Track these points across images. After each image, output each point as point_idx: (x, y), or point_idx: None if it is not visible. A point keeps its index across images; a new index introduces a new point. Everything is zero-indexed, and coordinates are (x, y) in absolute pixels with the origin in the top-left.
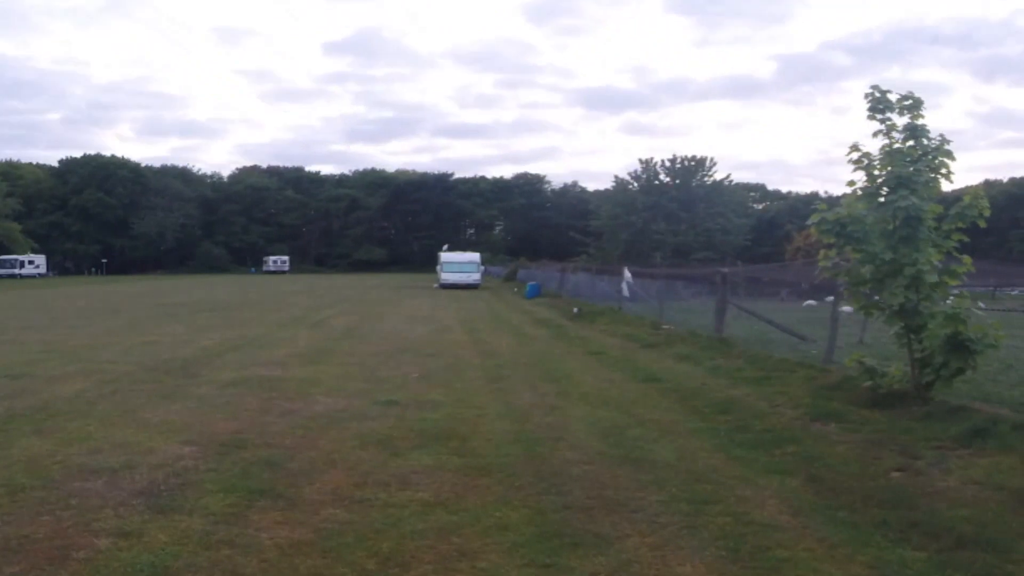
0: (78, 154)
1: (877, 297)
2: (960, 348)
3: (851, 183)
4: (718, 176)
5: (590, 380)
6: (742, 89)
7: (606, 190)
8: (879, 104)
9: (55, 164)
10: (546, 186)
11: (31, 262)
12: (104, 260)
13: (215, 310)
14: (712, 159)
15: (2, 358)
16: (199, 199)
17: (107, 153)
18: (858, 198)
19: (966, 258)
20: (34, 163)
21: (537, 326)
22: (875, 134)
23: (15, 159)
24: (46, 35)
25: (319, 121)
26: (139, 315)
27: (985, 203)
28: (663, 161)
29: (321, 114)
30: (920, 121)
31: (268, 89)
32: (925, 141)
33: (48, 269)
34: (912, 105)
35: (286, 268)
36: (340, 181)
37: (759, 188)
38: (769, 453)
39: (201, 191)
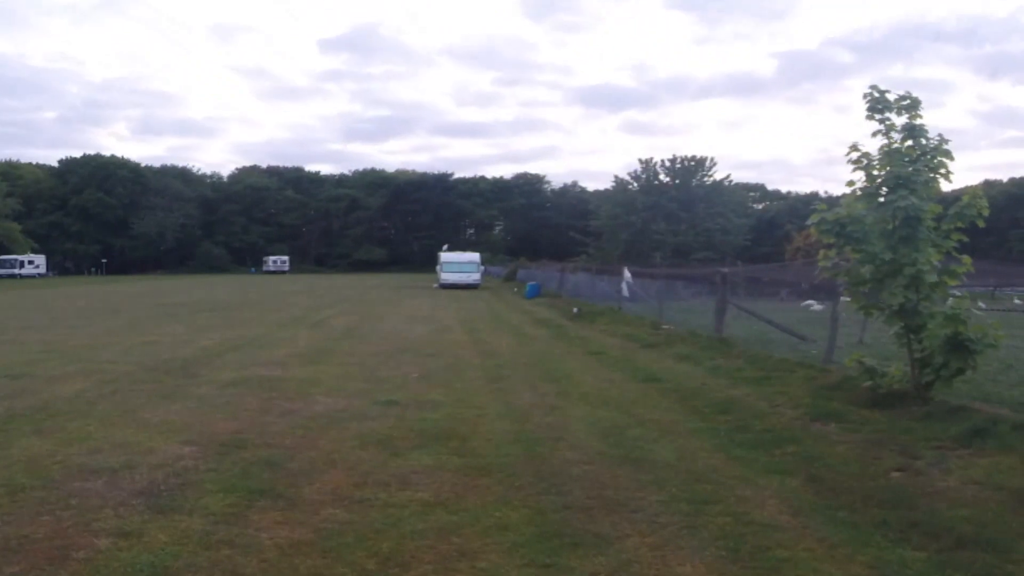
0: (75, 153)
1: (866, 292)
2: (960, 348)
3: (850, 183)
4: (718, 176)
5: (590, 380)
6: (743, 87)
7: (606, 190)
8: (878, 104)
9: (55, 164)
10: (546, 186)
11: (31, 262)
12: (104, 260)
13: (215, 310)
14: (712, 159)
15: (2, 358)
16: (199, 199)
17: (103, 152)
18: (857, 198)
19: (965, 258)
20: (34, 163)
21: (537, 326)
22: (874, 134)
23: (12, 158)
24: (40, 32)
25: (316, 120)
26: (139, 315)
27: (984, 203)
28: (663, 161)
29: (318, 112)
30: (919, 121)
31: (264, 87)
32: (924, 141)
33: (48, 269)
34: (910, 105)
35: (286, 268)
36: (340, 181)
37: (759, 188)
38: (769, 453)
39: (201, 191)
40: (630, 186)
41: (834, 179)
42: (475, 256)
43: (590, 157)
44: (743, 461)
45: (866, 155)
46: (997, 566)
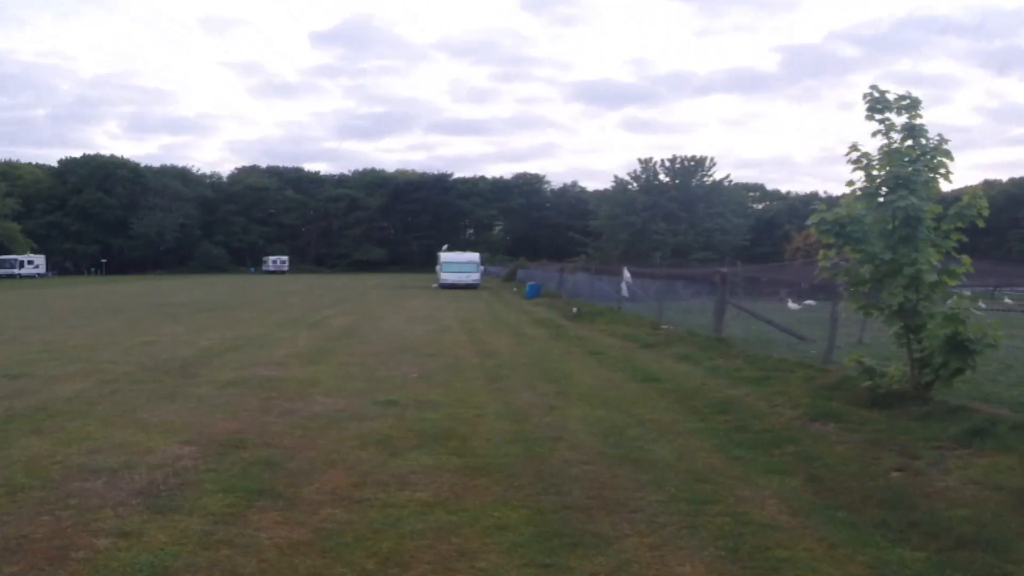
0: (67, 152)
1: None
2: (959, 348)
3: (850, 183)
4: (717, 176)
5: (589, 380)
6: (745, 83)
7: (605, 190)
8: (877, 104)
9: (54, 164)
10: (545, 186)
11: (30, 262)
12: (103, 260)
13: (214, 310)
14: (712, 159)
15: (2, 358)
16: (198, 199)
17: (96, 151)
18: (857, 198)
19: (965, 258)
20: (33, 163)
21: (536, 326)
22: (874, 134)
23: (4, 157)
24: (29, 26)
25: (309, 117)
26: (138, 315)
27: (984, 203)
28: (662, 161)
29: (311, 109)
30: (919, 121)
31: (256, 83)
32: (924, 141)
33: (47, 269)
34: (910, 105)
35: (285, 268)
36: (340, 181)
37: (759, 188)
38: (768, 453)
39: (200, 191)
40: (630, 186)
41: (837, 178)
42: (475, 256)
43: (590, 155)
44: (742, 461)
45: (866, 155)
46: (996, 566)
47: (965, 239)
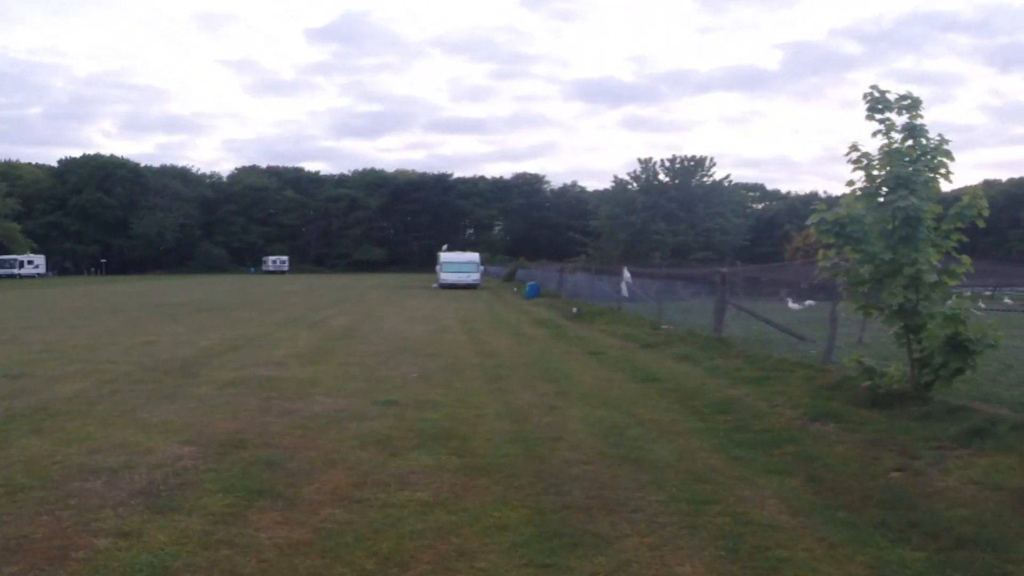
0: (64, 151)
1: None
2: (959, 348)
3: (850, 183)
4: (717, 176)
5: (589, 380)
6: (747, 80)
7: (605, 190)
8: (878, 104)
9: (54, 164)
10: (545, 186)
11: (30, 262)
12: (103, 260)
13: (214, 310)
14: (712, 159)
15: (2, 358)
16: (198, 199)
17: (92, 150)
18: (857, 198)
19: (965, 258)
20: (33, 163)
21: (536, 326)
22: (874, 134)
23: (2, 158)
24: (22, 23)
25: (306, 116)
26: (138, 315)
27: (984, 203)
28: (662, 161)
29: (307, 108)
30: (919, 121)
31: (252, 81)
32: (924, 141)
33: (47, 269)
34: (911, 105)
35: (285, 268)
36: (339, 181)
37: (758, 188)
38: (768, 453)
39: (200, 191)
40: (629, 186)
41: (839, 177)
42: (474, 256)
43: (590, 154)
44: (742, 461)
45: (866, 155)
46: (996, 566)
47: (965, 239)
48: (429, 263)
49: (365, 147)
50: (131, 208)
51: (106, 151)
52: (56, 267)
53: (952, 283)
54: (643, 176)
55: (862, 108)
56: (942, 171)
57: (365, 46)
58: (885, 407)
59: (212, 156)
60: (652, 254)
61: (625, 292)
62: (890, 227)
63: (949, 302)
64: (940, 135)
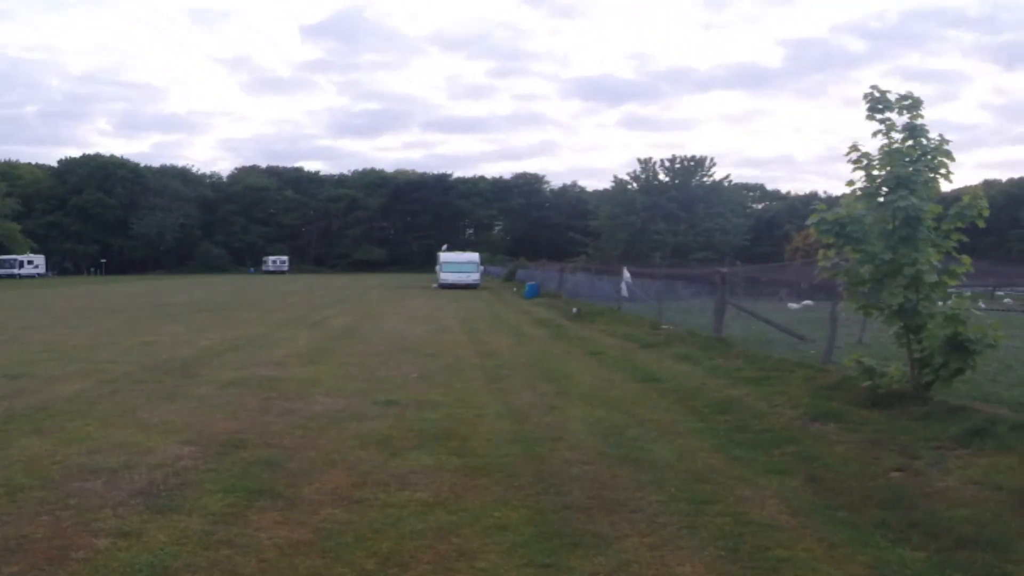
0: (60, 150)
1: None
2: (959, 348)
3: (850, 183)
4: (717, 176)
5: (589, 380)
6: (748, 78)
7: (605, 190)
8: (878, 104)
9: (49, 162)
10: (545, 186)
11: (30, 262)
12: (103, 260)
13: (214, 310)
14: (711, 159)
15: (2, 358)
16: (198, 199)
17: (90, 150)
18: (857, 198)
19: (965, 258)
20: (32, 163)
21: (536, 326)
22: (874, 134)
23: (1, 158)
24: (15, 19)
25: (303, 115)
26: (138, 315)
27: (984, 203)
28: (662, 161)
29: (304, 107)
30: (919, 121)
31: (248, 79)
32: (924, 141)
33: (47, 269)
34: (911, 105)
35: (285, 268)
36: (339, 181)
37: (758, 188)
38: (768, 453)
39: (200, 191)
40: (629, 186)
41: (841, 176)
42: (474, 256)
43: (590, 153)
44: (742, 461)
45: (866, 155)
46: (996, 566)
47: (965, 239)
48: (429, 263)
49: (363, 146)
50: (131, 208)
51: (102, 150)
52: (56, 267)
53: (952, 283)
54: (643, 176)
55: (864, 107)
56: (942, 171)
57: (362, 43)
58: (885, 407)
59: (209, 155)
60: (652, 254)
61: (625, 292)
62: (890, 227)
63: (949, 302)
64: (940, 135)
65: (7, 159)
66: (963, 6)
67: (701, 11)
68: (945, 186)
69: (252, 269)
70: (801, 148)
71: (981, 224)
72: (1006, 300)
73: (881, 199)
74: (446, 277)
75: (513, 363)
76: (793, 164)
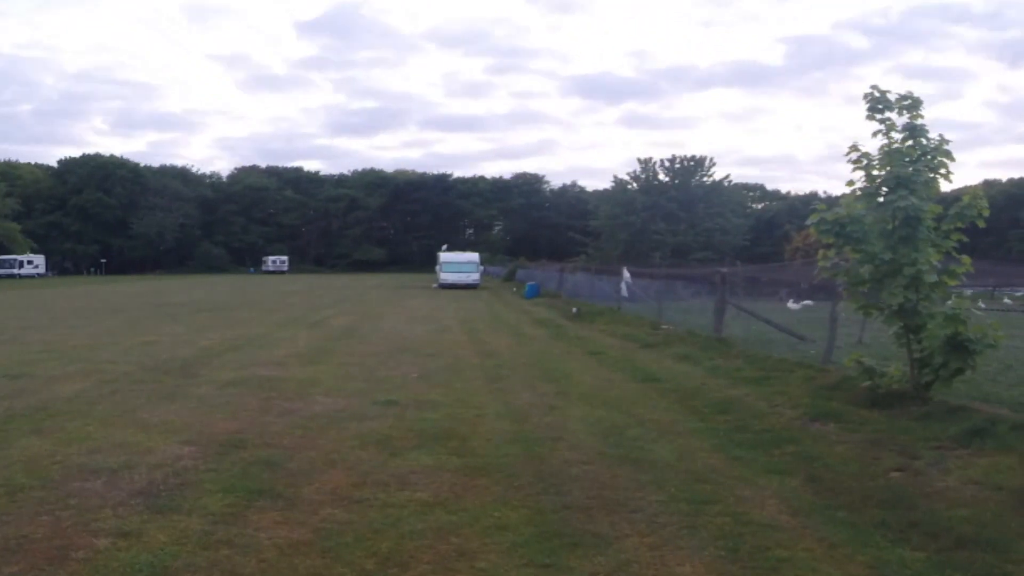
0: (56, 149)
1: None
2: (959, 348)
3: (850, 183)
4: (717, 176)
5: (589, 380)
6: (749, 76)
7: (605, 190)
8: (878, 104)
9: (48, 162)
10: (545, 186)
11: (30, 262)
12: (103, 260)
13: (214, 310)
14: (711, 159)
15: (2, 358)
16: (198, 199)
17: (86, 148)
18: (857, 198)
19: (965, 258)
20: (32, 163)
21: (536, 326)
22: (874, 134)
23: (1, 158)
24: (7, 17)
25: (300, 113)
26: (138, 315)
27: (984, 203)
28: (662, 161)
29: (301, 105)
30: (919, 121)
31: (244, 77)
32: (924, 141)
33: (47, 269)
34: (911, 105)
35: (285, 268)
36: (339, 181)
37: (758, 188)
38: (768, 453)
39: (200, 191)
40: (629, 186)
41: (841, 176)
42: (474, 256)
43: (589, 152)
44: (742, 461)
45: (866, 155)
46: (996, 566)
47: (965, 239)
48: (429, 263)
49: (360, 145)
50: (131, 208)
51: (98, 149)
52: (56, 267)
53: (952, 283)
54: (643, 176)
55: (864, 106)
56: (942, 171)
57: (358, 39)
58: (885, 407)
59: (205, 154)
60: (652, 254)
61: (625, 292)
62: (890, 227)
63: (949, 302)
64: (940, 135)
65: (6, 159)
66: (968, 2)
67: (701, 8)
68: (945, 186)
69: (252, 269)
70: (801, 147)
71: (981, 224)
72: (1006, 300)
73: (881, 199)
74: (446, 277)
75: (513, 363)
76: (793, 163)
